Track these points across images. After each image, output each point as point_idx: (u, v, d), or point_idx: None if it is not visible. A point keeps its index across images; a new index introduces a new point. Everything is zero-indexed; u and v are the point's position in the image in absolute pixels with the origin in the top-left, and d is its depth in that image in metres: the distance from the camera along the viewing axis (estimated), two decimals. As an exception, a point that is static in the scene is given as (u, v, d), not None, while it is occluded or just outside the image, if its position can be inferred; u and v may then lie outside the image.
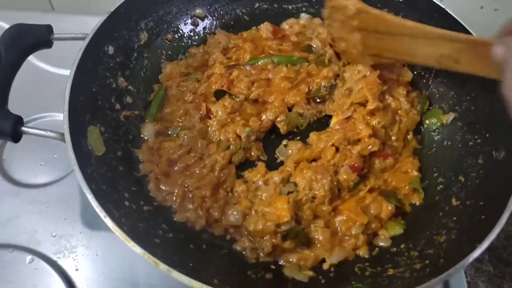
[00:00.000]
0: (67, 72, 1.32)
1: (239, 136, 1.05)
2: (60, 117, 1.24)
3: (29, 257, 1.04)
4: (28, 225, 1.09)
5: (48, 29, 0.99)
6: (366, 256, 0.93)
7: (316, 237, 0.93)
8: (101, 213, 0.75)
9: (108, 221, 0.75)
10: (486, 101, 1.04)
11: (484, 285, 1.26)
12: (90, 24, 1.46)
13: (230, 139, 1.04)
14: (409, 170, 1.04)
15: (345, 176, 0.97)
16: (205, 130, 1.07)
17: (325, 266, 0.91)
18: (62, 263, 1.04)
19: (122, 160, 1.00)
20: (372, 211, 0.96)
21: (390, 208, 0.96)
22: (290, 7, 1.32)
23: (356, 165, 0.98)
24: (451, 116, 1.11)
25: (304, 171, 0.97)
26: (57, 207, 1.12)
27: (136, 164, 1.03)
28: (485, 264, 1.31)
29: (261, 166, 1.03)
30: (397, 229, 0.97)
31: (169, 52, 1.23)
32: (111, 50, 1.06)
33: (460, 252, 0.82)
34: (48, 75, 1.38)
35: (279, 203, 0.91)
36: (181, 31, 1.26)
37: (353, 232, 0.93)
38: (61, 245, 1.07)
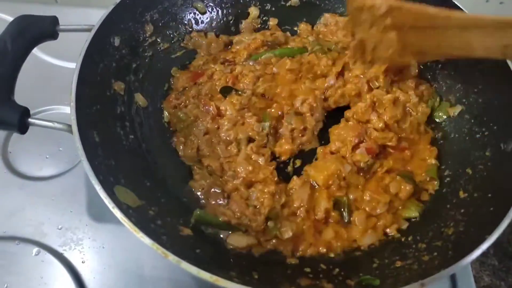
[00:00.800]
0: (72, 65, 1.33)
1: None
2: (66, 110, 1.26)
3: (35, 249, 1.04)
4: (34, 218, 1.09)
5: (54, 20, 0.99)
6: (395, 235, 0.95)
7: (352, 218, 0.96)
8: (110, 204, 0.75)
9: (116, 212, 0.74)
10: (494, 93, 1.03)
11: (489, 278, 1.26)
12: (94, 17, 1.45)
13: (250, 133, 1.04)
14: (427, 158, 1.05)
15: (358, 157, 1.00)
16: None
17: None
18: (68, 255, 1.04)
19: (131, 152, 1.01)
20: (391, 190, 0.99)
21: (408, 188, 0.98)
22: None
23: (371, 148, 1.01)
24: (458, 109, 1.11)
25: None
26: (63, 200, 1.12)
27: (146, 155, 1.03)
28: (490, 258, 1.31)
29: None
30: (413, 211, 0.98)
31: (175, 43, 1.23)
32: (117, 41, 1.06)
33: (468, 244, 0.81)
34: (53, 68, 1.38)
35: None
36: (185, 24, 1.25)
37: (378, 212, 0.96)
38: (67, 238, 1.07)
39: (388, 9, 0.90)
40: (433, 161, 1.05)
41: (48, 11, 1.49)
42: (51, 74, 1.36)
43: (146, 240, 0.72)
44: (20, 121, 0.84)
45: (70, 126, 0.86)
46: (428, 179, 1.03)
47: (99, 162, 0.86)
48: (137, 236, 0.73)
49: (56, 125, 0.87)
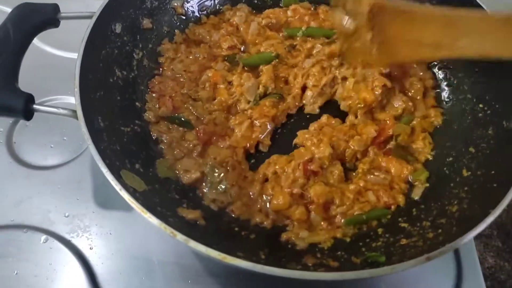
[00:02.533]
0: (73, 55, 1.34)
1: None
2: (69, 99, 1.28)
3: (43, 236, 1.05)
4: (41, 206, 1.10)
5: (55, 8, 0.99)
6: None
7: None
8: (117, 186, 0.76)
9: (124, 194, 0.75)
10: (496, 72, 1.03)
11: (493, 260, 1.27)
12: (94, 3, 1.47)
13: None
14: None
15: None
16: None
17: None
18: (76, 242, 1.05)
19: (135, 137, 1.02)
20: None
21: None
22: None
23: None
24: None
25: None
26: (69, 188, 1.13)
27: (150, 142, 1.04)
28: (494, 240, 1.32)
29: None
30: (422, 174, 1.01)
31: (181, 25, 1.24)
32: (118, 28, 1.06)
33: (473, 219, 0.82)
34: (55, 58, 1.38)
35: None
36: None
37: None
38: (75, 225, 1.07)
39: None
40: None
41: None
42: (53, 64, 1.36)
43: (154, 220, 0.73)
44: (25, 107, 0.85)
45: (74, 111, 0.86)
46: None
47: (104, 147, 0.87)
48: (145, 216, 0.73)
49: (61, 110, 0.87)
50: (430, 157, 1.05)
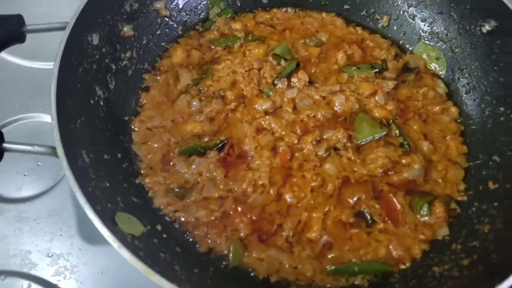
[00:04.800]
0: (42, 65, 1.21)
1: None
2: (40, 118, 1.14)
3: (25, 282, 0.94)
4: (19, 246, 0.98)
5: (19, 20, 0.84)
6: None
7: None
8: (115, 243, 0.64)
9: (125, 253, 0.64)
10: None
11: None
12: (63, 6, 1.30)
13: None
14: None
15: None
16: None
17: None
18: (64, 285, 0.94)
19: (121, 161, 0.91)
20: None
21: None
22: None
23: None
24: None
25: None
26: (50, 222, 1.01)
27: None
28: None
29: None
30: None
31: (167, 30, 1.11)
32: (95, 39, 0.92)
33: (513, 245, 0.75)
34: (19, 70, 1.21)
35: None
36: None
37: None
38: (60, 266, 0.96)
39: None
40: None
41: (9, 1, 1.34)
42: (17, 76, 1.20)
43: (165, 283, 0.61)
44: (-7, 148, 0.71)
45: (53, 148, 0.73)
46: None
47: (92, 188, 0.75)
48: (152, 279, 0.62)
49: (37, 148, 0.74)
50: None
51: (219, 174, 0.91)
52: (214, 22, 1.14)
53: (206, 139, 0.96)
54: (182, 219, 0.88)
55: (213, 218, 0.87)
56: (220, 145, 0.95)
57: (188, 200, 0.89)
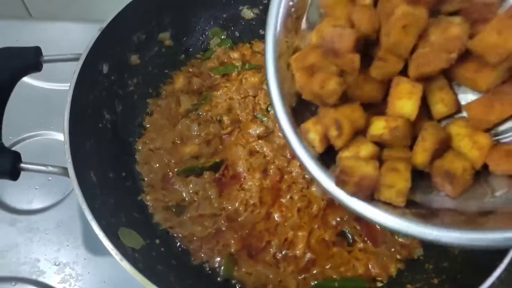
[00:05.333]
0: (54, 86, 1.30)
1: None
2: (52, 135, 1.22)
3: (33, 289, 1.01)
4: (28, 255, 1.05)
5: (37, 51, 0.93)
6: None
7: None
8: (117, 256, 0.72)
9: (125, 265, 0.72)
10: None
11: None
12: (72, 30, 1.40)
13: None
14: None
15: None
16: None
17: None
18: (69, 292, 1.01)
19: (125, 179, 0.99)
20: None
21: None
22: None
23: None
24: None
25: None
26: (58, 233, 1.08)
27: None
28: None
29: None
30: None
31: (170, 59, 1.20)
32: (105, 69, 1.00)
33: (476, 267, 0.82)
34: (33, 90, 1.30)
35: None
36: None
37: None
38: (66, 274, 1.03)
39: None
40: None
41: (23, 26, 1.45)
42: (31, 96, 1.29)
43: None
44: (12, 168, 0.80)
45: (65, 169, 0.82)
46: None
47: (99, 204, 0.83)
48: (149, 289, 0.70)
49: (51, 169, 0.82)
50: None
51: (213, 193, 0.99)
52: (215, 52, 1.22)
53: (202, 161, 1.04)
54: (179, 234, 0.95)
55: (207, 233, 0.94)
56: (216, 166, 1.03)
57: (184, 217, 0.97)
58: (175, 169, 1.03)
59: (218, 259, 0.93)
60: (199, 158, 1.05)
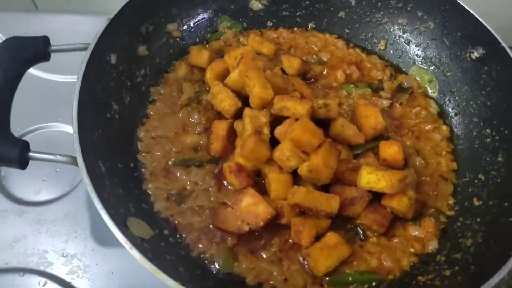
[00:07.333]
0: (61, 78, 1.30)
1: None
2: (59, 127, 1.22)
3: (41, 280, 1.00)
4: (36, 246, 1.05)
5: (45, 41, 0.92)
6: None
7: None
8: (126, 245, 0.72)
9: (135, 253, 0.71)
10: (503, 95, 1.02)
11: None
12: (79, 22, 1.40)
13: None
14: None
15: None
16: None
17: None
18: (77, 283, 1.00)
19: (133, 169, 0.99)
20: None
21: None
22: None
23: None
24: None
25: None
26: (65, 225, 1.08)
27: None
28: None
29: None
30: None
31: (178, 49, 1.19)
32: (113, 59, 1.00)
33: (489, 258, 0.81)
34: (41, 82, 1.30)
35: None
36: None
37: None
38: (74, 265, 1.03)
39: None
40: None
41: (30, 18, 1.45)
42: (38, 88, 1.29)
43: (170, 282, 0.69)
44: (20, 156, 0.79)
45: (74, 158, 0.81)
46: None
47: (108, 194, 0.82)
48: (159, 277, 0.70)
49: (59, 158, 0.82)
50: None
51: (213, 186, 0.98)
52: (224, 34, 1.21)
53: (201, 154, 1.02)
54: (179, 223, 0.93)
55: (205, 224, 0.93)
56: (214, 161, 1.01)
57: (184, 206, 0.95)
58: (172, 159, 1.01)
59: (216, 252, 0.90)
60: (198, 150, 1.03)
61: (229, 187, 0.97)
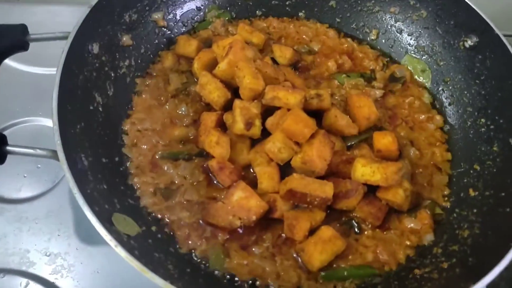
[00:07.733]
0: (41, 71, 1.25)
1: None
2: (40, 121, 1.17)
3: (23, 280, 0.96)
4: (18, 245, 1.00)
5: (23, 29, 0.88)
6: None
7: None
8: (111, 242, 0.68)
9: (120, 251, 0.68)
10: (497, 84, 1.00)
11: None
12: (60, 13, 1.34)
13: None
14: None
15: None
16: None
17: None
18: (61, 284, 0.96)
19: (118, 164, 0.95)
20: None
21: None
22: None
23: None
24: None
25: None
26: (48, 223, 1.03)
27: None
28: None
29: None
30: None
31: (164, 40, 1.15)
32: (95, 48, 0.96)
33: (488, 249, 0.79)
34: (21, 75, 1.25)
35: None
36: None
37: None
38: (58, 264, 0.98)
39: None
40: None
41: (10, 10, 1.39)
42: (17, 81, 1.24)
43: (158, 280, 0.65)
44: (-4, 151, 0.75)
45: (54, 151, 0.77)
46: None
47: (91, 189, 0.78)
48: (147, 276, 0.66)
49: (39, 152, 0.78)
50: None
51: (202, 180, 0.94)
52: (212, 23, 1.17)
53: (189, 147, 0.99)
54: (167, 219, 0.90)
55: (194, 220, 0.89)
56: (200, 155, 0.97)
57: (172, 201, 0.92)
58: (159, 153, 0.97)
59: (207, 248, 0.86)
60: (186, 143, 1.00)
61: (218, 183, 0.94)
